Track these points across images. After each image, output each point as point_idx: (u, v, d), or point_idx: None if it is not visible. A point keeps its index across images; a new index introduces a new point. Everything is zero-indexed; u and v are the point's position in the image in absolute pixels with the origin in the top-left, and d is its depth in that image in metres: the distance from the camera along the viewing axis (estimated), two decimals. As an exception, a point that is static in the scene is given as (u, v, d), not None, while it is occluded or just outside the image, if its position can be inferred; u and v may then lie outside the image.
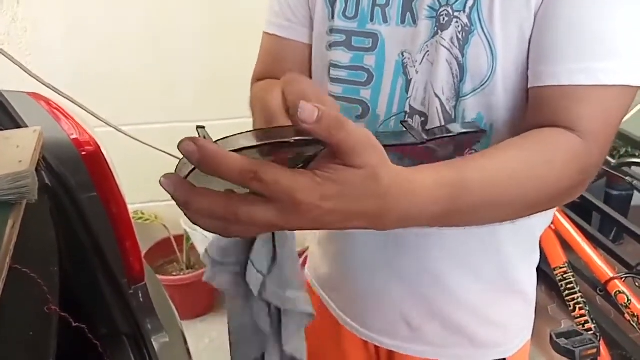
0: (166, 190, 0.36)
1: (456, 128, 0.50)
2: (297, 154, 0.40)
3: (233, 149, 0.35)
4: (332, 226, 0.39)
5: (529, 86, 0.55)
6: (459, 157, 0.47)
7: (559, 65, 0.52)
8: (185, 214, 0.37)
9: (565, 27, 0.51)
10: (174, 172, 0.38)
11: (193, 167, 0.36)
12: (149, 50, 1.81)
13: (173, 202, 0.37)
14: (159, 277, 1.73)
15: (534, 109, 0.55)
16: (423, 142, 0.47)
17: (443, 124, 0.59)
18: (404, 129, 0.49)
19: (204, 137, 0.37)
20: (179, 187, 0.36)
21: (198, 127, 0.39)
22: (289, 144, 0.37)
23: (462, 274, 0.68)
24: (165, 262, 2.08)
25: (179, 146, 0.34)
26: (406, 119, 0.61)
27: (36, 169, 0.73)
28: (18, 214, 0.64)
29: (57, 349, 0.55)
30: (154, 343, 0.97)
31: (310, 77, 0.70)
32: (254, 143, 0.36)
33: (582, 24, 0.51)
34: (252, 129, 0.40)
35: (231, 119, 1.86)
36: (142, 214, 1.97)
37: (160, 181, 0.36)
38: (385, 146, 0.39)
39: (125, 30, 1.76)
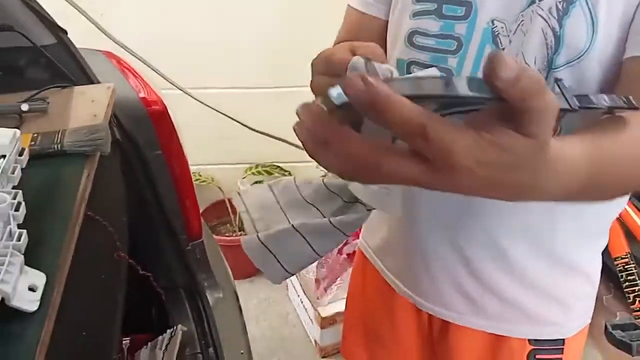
0: (302, 120, 0.30)
1: (601, 100, 0.42)
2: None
3: (408, 93, 0.29)
4: (469, 191, 0.32)
5: (624, 57, 0.52)
6: (595, 128, 0.43)
7: None
8: (308, 151, 0.31)
9: None
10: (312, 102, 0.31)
11: (339, 104, 0.29)
12: (216, 16, 1.83)
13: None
14: (213, 236, 1.79)
15: (625, 81, 0.52)
16: (575, 110, 0.41)
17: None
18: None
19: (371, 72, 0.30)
20: (319, 121, 0.30)
21: (365, 58, 0.31)
22: (461, 98, 0.30)
23: (522, 249, 0.67)
24: (219, 223, 2.14)
25: (334, 87, 0.28)
26: (560, 79, 0.55)
27: (108, 124, 0.76)
28: (92, 165, 0.67)
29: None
30: (208, 298, 1.01)
31: (385, 51, 0.69)
32: (437, 93, 0.29)
33: None
34: (406, 75, 0.31)
35: (294, 87, 1.87)
36: (200, 175, 2.02)
37: (297, 111, 0.31)
38: None
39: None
